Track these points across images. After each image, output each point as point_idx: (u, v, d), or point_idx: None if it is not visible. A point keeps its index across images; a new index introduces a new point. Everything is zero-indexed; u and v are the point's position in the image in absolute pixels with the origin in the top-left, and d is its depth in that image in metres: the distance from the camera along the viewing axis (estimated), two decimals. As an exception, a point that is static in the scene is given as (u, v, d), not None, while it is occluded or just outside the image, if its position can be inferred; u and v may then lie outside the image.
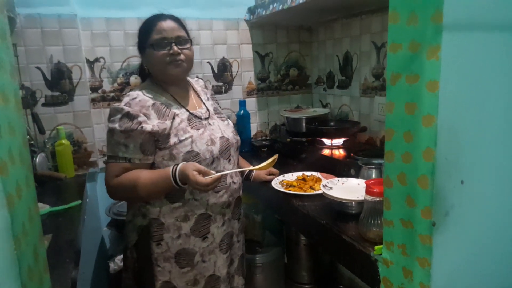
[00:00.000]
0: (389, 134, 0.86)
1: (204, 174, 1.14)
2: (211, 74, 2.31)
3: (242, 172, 1.54)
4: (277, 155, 1.39)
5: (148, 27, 1.25)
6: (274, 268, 2.13)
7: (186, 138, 1.22)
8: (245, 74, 2.41)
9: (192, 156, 1.22)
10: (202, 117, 1.32)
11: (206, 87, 1.51)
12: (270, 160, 1.35)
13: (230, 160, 1.34)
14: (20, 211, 0.55)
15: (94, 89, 2.04)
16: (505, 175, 0.87)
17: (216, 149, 1.27)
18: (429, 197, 0.79)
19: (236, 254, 1.43)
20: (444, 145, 0.77)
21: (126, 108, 1.18)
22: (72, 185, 1.81)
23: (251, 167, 1.40)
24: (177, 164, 1.18)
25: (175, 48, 1.23)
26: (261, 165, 1.35)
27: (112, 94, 2.07)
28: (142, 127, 1.17)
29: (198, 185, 1.12)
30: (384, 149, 0.88)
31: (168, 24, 1.24)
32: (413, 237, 0.83)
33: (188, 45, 1.28)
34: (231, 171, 1.30)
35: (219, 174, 1.18)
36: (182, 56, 1.25)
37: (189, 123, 1.26)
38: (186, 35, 1.29)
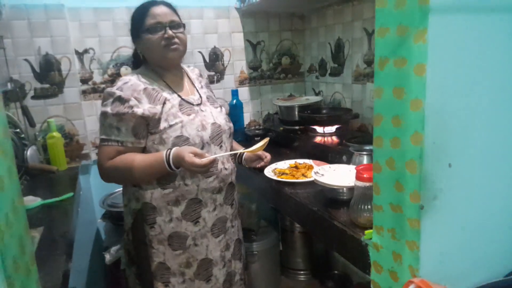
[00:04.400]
0: (378, 119, 0.86)
1: (199, 156, 1.18)
2: (203, 63, 2.29)
3: (235, 157, 1.55)
4: (268, 138, 1.42)
5: (141, 13, 1.27)
6: (269, 256, 2.15)
7: (176, 123, 1.24)
8: (237, 63, 2.40)
9: (181, 140, 1.23)
10: (194, 103, 1.34)
11: (201, 75, 1.52)
12: (261, 143, 1.38)
13: (221, 146, 1.35)
14: (2, 202, 0.54)
15: (84, 81, 2.02)
16: (493, 159, 0.87)
17: (206, 134, 1.28)
18: (417, 181, 0.79)
19: (232, 239, 1.45)
20: (432, 129, 0.76)
21: (118, 92, 1.20)
22: (64, 178, 1.80)
23: (243, 150, 1.42)
24: (171, 148, 1.21)
25: (170, 32, 1.25)
26: (253, 148, 1.37)
27: (102, 86, 2.05)
28: (133, 110, 1.19)
29: (194, 167, 1.16)
30: (373, 134, 0.88)
31: (161, 9, 1.27)
32: (402, 221, 0.84)
33: (181, 29, 1.30)
34: (224, 153, 1.34)
35: (214, 156, 1.23)
36: (176, 40, 1.27)
37: (180, 109, 1.28)
38: (179, 19, 1.31)
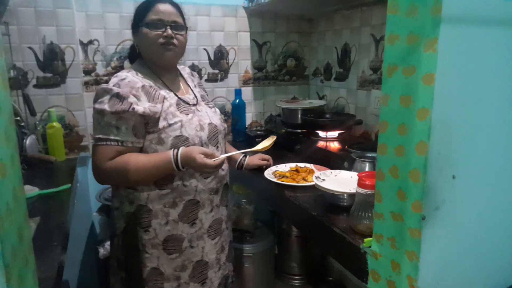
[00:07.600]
0: (383, 126, 0.86)
1: (210, 156, 1.17)
2: (207, 61, 2.28)
3: (231, 161, 1.55)
4: (275, 137, 1.41)
5: (146, 6, 1.25)
6: (264, 259, 2.14)
7: (175, 122, 1.21)
8: (242, 63, 2.39)
9: (181, 140, 1.21)
10: (191, 103, 1.32)
11: (192, 74, 1.51)
12: (268, 142, 1.39)
13: (218, 147, 1.34)
14: (3, 189, 0.53)
15: (87, 72, 2.01)
16: (497, 172, 0.86)
17: (204, 135, 1.27)
18: (420, 191, 0.78)
19: (226, 241, 1.44)
20: (437, 139, 0.76)
21: (115, 89, 1.15)
22: (62, 169, 1.79)
23: (251, 149, 1.41)
24: (176, 148, 1.19)
25: (169, 31, 1.23)
26: (259, 147, 1.37)
27: (105, 78, 2.04)
28: (133, 108, 1.15)
29: (207, 168, 1.16)
30: (377, 141, 0.88)
31: (166, 7, 1.25)
32: (403, 231, 0.83)
33: (182, 32, 1.28)
34: (234, 152, 1.36)
35: (224, 155, 1.23)
36: (175, 41, 1.25)
37: (177, 108, 1.26)
38: (183, 22, 1.29)
